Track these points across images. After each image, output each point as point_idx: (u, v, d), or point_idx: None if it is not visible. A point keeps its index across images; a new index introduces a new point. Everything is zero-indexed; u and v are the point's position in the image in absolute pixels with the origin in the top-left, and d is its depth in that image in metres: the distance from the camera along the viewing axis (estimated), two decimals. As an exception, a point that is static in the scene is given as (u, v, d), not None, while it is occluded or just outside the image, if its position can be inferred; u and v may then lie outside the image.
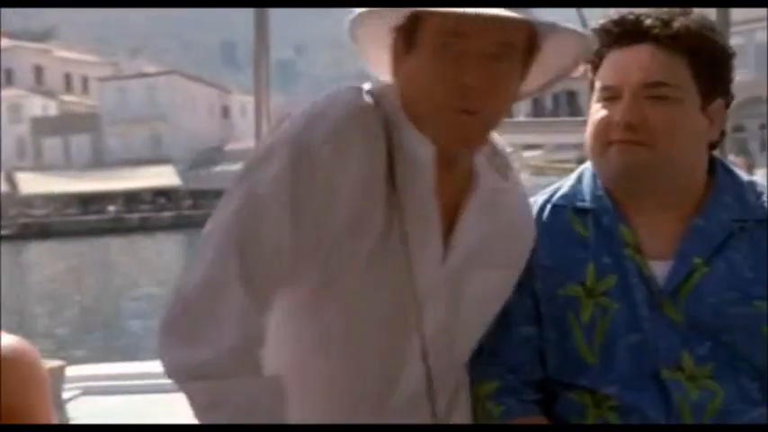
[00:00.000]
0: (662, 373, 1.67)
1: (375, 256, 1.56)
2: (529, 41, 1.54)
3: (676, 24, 1.68)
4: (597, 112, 1.74)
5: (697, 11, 1.73)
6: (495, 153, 1.68)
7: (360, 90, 1.57)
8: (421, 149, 1.55)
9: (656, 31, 1.68)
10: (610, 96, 1.71)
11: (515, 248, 1.74)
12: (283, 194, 1.49)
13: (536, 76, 1.61)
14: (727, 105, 1.76)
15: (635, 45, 1.69)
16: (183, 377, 1.47)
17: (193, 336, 1.46)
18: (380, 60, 1.61)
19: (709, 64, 1.70)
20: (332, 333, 1.64)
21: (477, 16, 1.44)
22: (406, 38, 1.53)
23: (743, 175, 1.81)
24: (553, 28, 1.53)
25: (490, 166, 1.66)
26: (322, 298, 1.61)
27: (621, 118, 1.68)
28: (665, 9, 1.71)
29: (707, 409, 1.65)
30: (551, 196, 1.83)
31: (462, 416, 1.77)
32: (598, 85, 1.74)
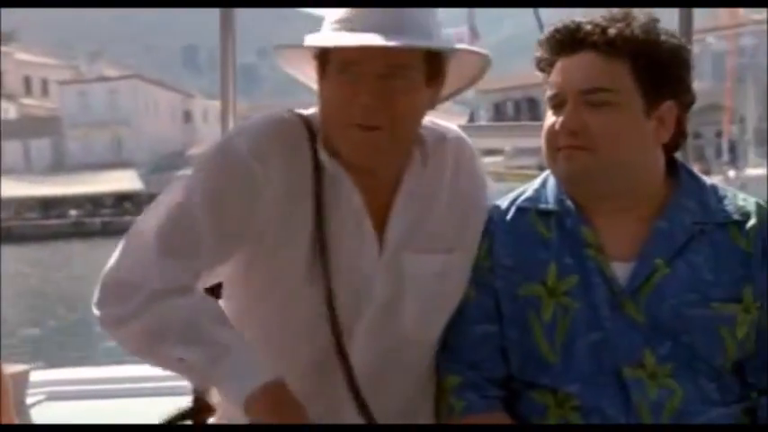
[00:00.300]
0: (623, 372, 1.69)
1: (308, 261, 1.72)
2: (429, 58, 1.70)
3: (613, 30, 1.70)
4: (548, 119, 1.77)
5: (646, 13, 1.74)
6: (422, 146, 1.81)
7: (292, 111, 1.79)
8: (328, 164, 1.74)
9: (594, 37, 1.70)
10: (556, 104, 1.75)
11: (458, 232, 1.82)
12: (207, 196, 1.69)
13: (452, 82, 1.78)
14: (686, 106, 1.77)
15: (577, 53, 1.72)
16: (116, 326, 1.68)
17: (121, 298, 1.66)
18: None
19: (652, 67, 1.70)
20: (273, 334, 1.76)
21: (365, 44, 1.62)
22: (320, 65, 1.72)
23: (705, 179, 1.83)
24: (443, 49, 1.71)
25: (420, 153, 1.81)
26: (261, 301, 1.76)
27: (562, 125, 1.71)
28: (606, 15, 1.73)
29: (665, 408, 1.67)
30: (515, 199, 1.86)
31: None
32: (547, 93, 1.77)
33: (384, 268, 1.77)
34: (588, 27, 1.72)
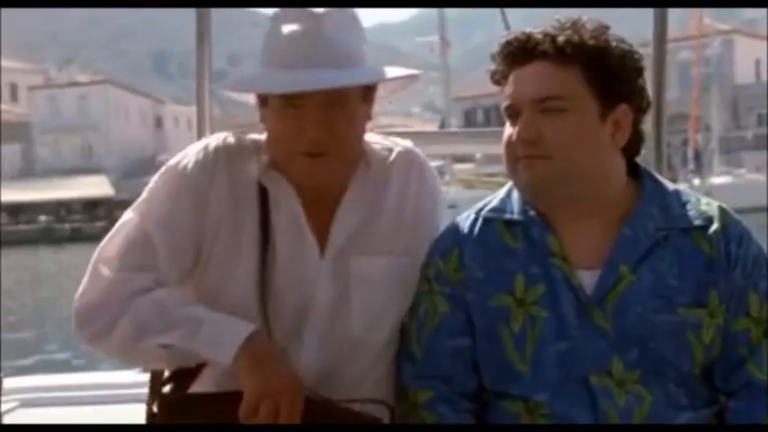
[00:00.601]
0: (591, 380, 1.70)
1: (255, 269, 1.81)
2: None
3: (562, 38, 1.71)
4: (506, 130, 1.79)
5: (594, 20, 1.76)
6: (367, 156, 1.90)
7: (240, 132, 1.91)
8: (267, 178, 1.84)
9: (545, 47, 1.72)
10: (512, 114, 1.76)
11: (407, 238, 1.90)
12: (160, 216, 1.80)
13: (387, 85, 1.90)
14: (641, 110, 1.79)
15: (529, 63, 1.74)
16: (97, 342, 1.77)
17: (93, 318, 1.76)
18: None
19: (603, 72, 1.72)
20: None
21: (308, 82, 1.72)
22: (259, 94, 1.83)
23: (669, 184, 1.84)
24: (375, 80, 1.83)
25: (365, 166, 1.89)
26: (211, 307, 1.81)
27: (519, 135, 1.73)
28: (555, 24, 1.75)
29: (634, 414, 1.69)
30: (481, 210, 1.87)
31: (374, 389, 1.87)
32: (503, 104, 1.79)
33: (327, 271, 1.84)
34: (538, 37, 1.73)
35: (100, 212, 51.97)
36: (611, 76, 1.73)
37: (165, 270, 1.79)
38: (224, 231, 1.82)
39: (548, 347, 1.73)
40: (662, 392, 1.71)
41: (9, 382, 3.11)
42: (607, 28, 1.76)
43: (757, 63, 54.50)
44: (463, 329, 1.81)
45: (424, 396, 1.81)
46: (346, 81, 1.76)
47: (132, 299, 1.74)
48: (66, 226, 49.24)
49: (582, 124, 1.72)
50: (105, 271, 1.78)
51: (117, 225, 1.84)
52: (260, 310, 1.79)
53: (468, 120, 55.26)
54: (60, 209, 53.61)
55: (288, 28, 1.77)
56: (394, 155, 1.94)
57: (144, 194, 1.85)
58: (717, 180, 38.39)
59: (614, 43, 1.74)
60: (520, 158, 1.74)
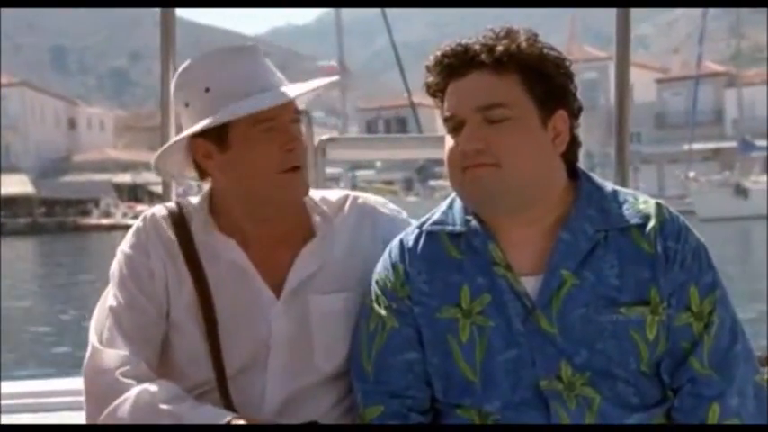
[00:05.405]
0: (541, 385, 1.68)
1: (200, 328, 1.91)
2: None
3: (500, 48, 1.69)
4: (447, 142, 1.74)
5: (526, 29, 1.75)
6: (318, 208, 1.99)
7: (162, 206, 2.01)
8: (203, 234, 1.93)
9: (482, 57, 1.69)
10: (454, 126, 1.72)
11: (357, 274, 1.92)
12: (122, 298, 1.93)
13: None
14: (575, 114, 1.76)
15: (468, 74, 1.71)
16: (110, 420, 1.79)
17: (97, 400, 1.86)
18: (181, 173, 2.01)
19: (541, 78, 1.70)
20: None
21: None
22: (217, 141, 1.86)
23: (607, 184, 1.80)
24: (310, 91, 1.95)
25: (321, 219, 1.98)
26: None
27: (465, 146, 1.68)
28: (490, 34, 1.72)
29: (585, 416, 1.67)
30: (424, 224, 1.83)
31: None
32: (443, 116, 1.75)
33: (282, 310, 1.89)
34: (476, 48, 1.70)
35: (22, 209, 52.65)
36: (549, 83, 1.70)
37: (140, 342, 1.87)
38: (172, 292, 1.90)
39: (497, 356, 1.70)
40: (611, 393, 1.68)
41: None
42: (537, 35, 1.74)
43: (630, 88, 59.99)
44: (412, 343, 1.78)
45: (374, 413, 1.78)
46: (318, 85, 1.91)
47: (123, 387, 1.79)
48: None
49: (527, 131, 1.68)
50: (96, 350, 1.87)
51: (97, 311, 1.94)
52: (211, 354, 1.88)
53: (370, 130, 56.34)
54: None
55: (238, 63, 1.88)
56: (348, 203, 2.00)
57: (110, 283, 1.94)
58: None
59: (546, 50, 1.72)
60: (466, 169, 1.69)
